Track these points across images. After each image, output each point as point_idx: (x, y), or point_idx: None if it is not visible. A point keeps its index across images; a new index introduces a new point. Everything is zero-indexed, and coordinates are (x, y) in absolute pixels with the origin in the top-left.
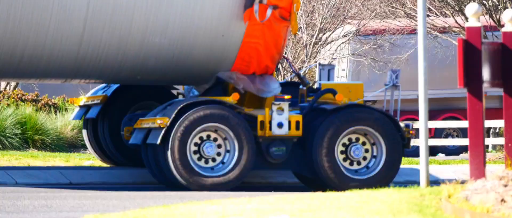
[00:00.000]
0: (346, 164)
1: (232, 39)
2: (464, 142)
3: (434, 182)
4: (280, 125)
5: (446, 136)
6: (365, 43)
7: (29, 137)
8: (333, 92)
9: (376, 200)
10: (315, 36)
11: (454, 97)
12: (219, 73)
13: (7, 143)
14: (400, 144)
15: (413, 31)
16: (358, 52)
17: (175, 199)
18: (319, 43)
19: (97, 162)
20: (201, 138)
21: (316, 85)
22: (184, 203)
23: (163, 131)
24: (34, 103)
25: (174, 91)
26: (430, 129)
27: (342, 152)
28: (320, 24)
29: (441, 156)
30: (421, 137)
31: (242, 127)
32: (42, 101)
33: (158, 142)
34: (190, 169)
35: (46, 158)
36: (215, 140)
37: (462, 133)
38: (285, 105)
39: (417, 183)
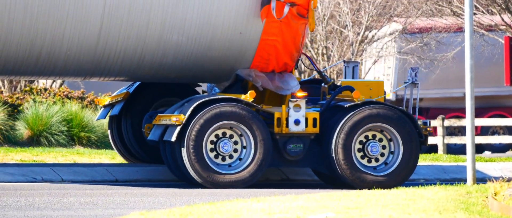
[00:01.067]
0: (364, 161)
1: (250, 36)
2: (510, 139)
3: (480, 179)
4: (297, 122)
5: (492, 134)
6: (411, 41)
7: (75, 134)
8: (351, 89)
9: (423, 197)
10: (361, 34)
11: (500, 95)
12: (238, 71)
13: (53, 140)
14: (417, 141)
15: (460, 29)
16: (404, 50)
17: (221, 197)
18: (365, 41)
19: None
20: (217, 136)
21: (339, 83)
22: (230, 201)
23: (178, 128)
24: (80, 100)
25: (198, 88)
26: (476, 127)
27: (359, 149)
28: (366, 22)
29: (487, 154)
30: (468, 135)
31: (258, 125)
32: (88, 99)
33: (173, 139)
34: (206, 166)
35: (92, 155)
36: (231, 137)
37: (508, 130)
38: (302, 102)
39: (463, 180)
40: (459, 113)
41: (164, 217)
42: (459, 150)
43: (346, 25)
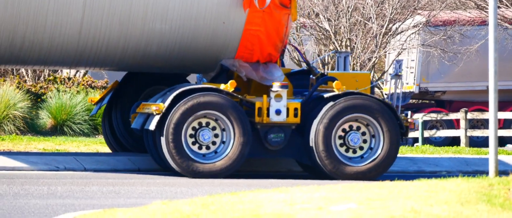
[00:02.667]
0: (344, 151)
1: (233, 26)
2: None
3: (502, 172)
4: (278, 112)
5: None
6: (435, 34)
7: (98, 124)
8: (332, 80)
9: (444, 189)
10: (385, 27)
11: None
12: (223, 61)
13: (76, 129)
14: (398, 133)
15: (483, 23)
16: (427, 43)
17: (243, 187)
18: (389, 33)
19: None
20: (199, 124)
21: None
22: (252, 191)
23: (158, 117)
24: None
25: (192, 77)
26: (499, 120)
27: (340, 139)
28: (390, 15)
29: (509, 147)
30: (491, 128)
31: (238, 114)
32: None
33: (153, 128)
34: (185, 155)
35: None
36: (213, 128)
37: None
38: (283, 92)
39: (485, 173)
40: (482, 106)
41: (186, 207)
42: (482, 143)
43: (370, 17)
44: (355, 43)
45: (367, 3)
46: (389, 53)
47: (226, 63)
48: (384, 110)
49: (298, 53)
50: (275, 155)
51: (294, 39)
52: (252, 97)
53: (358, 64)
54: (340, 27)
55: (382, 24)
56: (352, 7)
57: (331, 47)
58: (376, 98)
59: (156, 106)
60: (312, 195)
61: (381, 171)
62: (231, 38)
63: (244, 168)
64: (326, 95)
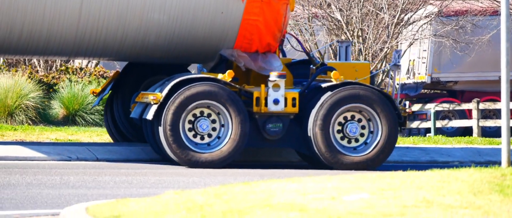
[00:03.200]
0: (343, 141)
1: (231, 16)
2: None
3: None
4: (276, 102)
5: None
6: (447, 24)
7: None
8: (330, 70)
9: (457, 179)
10: (396, 17)
11: None
12: (222, 51)
13: (89, 119)
14: (396, 123)
15: (495, 13)
16: (439, 33)
17: (256, 177)
18: (401, 23)
19: None
20: (195, 115)
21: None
22: (265, 181)
23: (155, 107)
24: None
25: (193, 67)
26: (511, 110)
27: (338, 130)
28: (402, 5)
29: None
30: (503, 118)
31: (235, 104)
32: None
33: (150, 117)
34: (183, 145)
35: None
36: (209, 116)
37: None
38: (281, 82)
39: (498, 163)
40: (494, 96)
41: (199, 196)
42: (494, 133)
43: (382, 7)
44: (367, 33)
45: None
46: (401, 43)
47: (225, 53)
48: (382, 99)
49: (299, 45)
50: (274, 144)
51: (305, 29)
52: (251, 87)
53: (370, 54)
54: (352, 18)
55: (394, 14)
56: None
57: (343, 38)
58: (374, 88)
59: (154, 96)
60: (324, 185)
61: (379, 161)
62: (230, 28)
63: (245, 158)
64: (324, 85)
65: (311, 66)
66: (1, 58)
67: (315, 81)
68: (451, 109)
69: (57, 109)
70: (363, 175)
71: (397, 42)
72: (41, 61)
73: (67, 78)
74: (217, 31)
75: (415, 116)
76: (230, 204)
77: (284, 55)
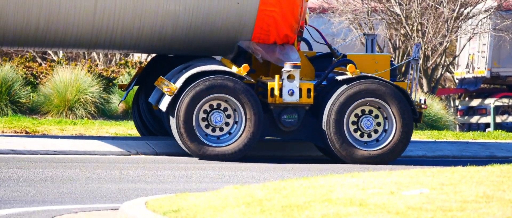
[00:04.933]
0: (357, 135)
1: (247, 6)
2: None
3: None
4: (291, 92)
5: None
6: (506, 18)
7: None
8: (347, 63)
9: None
10: (456, 11)
11: None
12: (239, 43)
13: None
14: (411, 118)
15: None
16: (499, 27)
17: (315, 172)
18: (460, 18)
19: None
20: (211, 106)
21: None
22: (324, 176)
23: (169, 99)
24: None
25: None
26: None
27: (353, 123)
28: None
29: None
30: None
31: (249, 98)
32: None
33: (164, 109)
34: (195, 138)
35: None
36: (225, 109)
37: None
38: (296, 73)
39: None
40: None
41: (258, 192)
42: None
43: (442, 1)
44: (426, 27)
45: None
46: (460, 37)
47: (242, 45)
48: (397, 94)
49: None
50: (289, 136)
51: (365, 23)
52: (268, 79)
53: (429, 48)
54: (411, 12)
55: (453, 9)
56: None
57: (402, 32)
58: (389, 83)
59: (168, 88)
60: (384, 180)
61: (392, 156)
62: (246, 18)
63: (266, 153)
64: (339, 78)
65: (333, 59)
66: (61, 52)
67: (334, 73)
68: (511, 103)
69: (116, 103)
70: (423, 170)
71: (456, 36)
72: (100, 55)
73: (126, 72)
74: (234, 22)
75: (474, 110)
76: (290, 199)
77: (310, 48)
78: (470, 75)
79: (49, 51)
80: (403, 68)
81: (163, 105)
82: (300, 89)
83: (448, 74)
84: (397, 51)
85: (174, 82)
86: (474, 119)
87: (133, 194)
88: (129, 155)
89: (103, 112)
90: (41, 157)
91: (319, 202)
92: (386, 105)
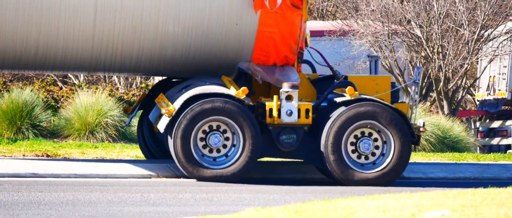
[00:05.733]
0: (355, 157)
1: (246, 28)
2: None
3: None
4: (289, 113)
5: None
6: None
7: None
8: (346, 85)
9: None
10: (477, 33)
11: None
12: (239, 64)
13: None
14: (409, 141)
15: None
16: None
17: (336, 194)
18: (481, 40)
19: None
20: (210, 127)
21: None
22: (345, 198)
23: (167, 120)
24: None
25: None
26: None
27: (351, 144)
28: (482, 21)
29: None
30: None
31: (248, 121)
32: None
33: (162, 131)
34: (192, 159)
35: None
36: (224, 131)
37: None
38: (294, 93)
39: None
40: None
41: (279, 214)
42: None
43: (462, 24)
44: (447, 50)
45: (459, 10)
46: (481, 59)
47: (242, 66)
48: (395, 117)
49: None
50: (288, 156)
51: (385, 45)
52: (268, 99)
53: (450, 71)
54: (432, 34)
55: (474, 31)
56: (444, 13)
57: (422, 54)
58: (388, 105)
59: (166, 109)
60: (404, 202)
61: (390, 179)
62: (246, 40)
63: (288, 175)
64: (338, 100)
65: (334, 80)
66: (82, 76)
67: (334, 95)
68: None
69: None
70: (444, 192)
71: (477, 58)
72: (121, 78)
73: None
74: (233, 43)
75: (495, 132)
76: None
77: (314, 71)
78: (491, 97)
79: (70, 75)
80: (422, 90)
81: (161, 126)
82: (299, 110)
83: (468, 96)
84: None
85: (173, 102)
86: (495, 141)
87: (154, 217)
88: (150, 178)
89: (124, 135)
90: (62, 180)
91: None
92: (384, 128)
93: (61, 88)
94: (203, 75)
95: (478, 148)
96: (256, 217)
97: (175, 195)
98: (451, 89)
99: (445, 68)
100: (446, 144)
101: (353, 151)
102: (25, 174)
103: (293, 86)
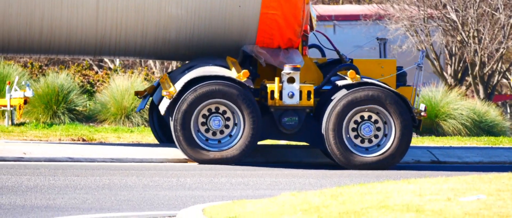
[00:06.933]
0: (357, 141)
1: (249, 10)
2: None
3: None
4: (291, 95)
5: None
6: None
7: None
8: (353, 68)
9: None
10: None
11: None
12: (244, 47)
13: None
14: (410, 126)
15: None
16: None
17: (372, 178)
18: None
19: None
20: (209, 110)
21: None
22: (381, 182)
23: (168, 102)
24: None
25: None
26: None
27: (353, 129)
28: None
29: None
30: None
31: (248, 104)
32: None
33: (163, 112)
34: (192, 142)
35: None
36: (224, 113)
37: None
38: (296, 75)
39: None
40: None
41: (315, 198)
42: None
43: (498, 7)
44: (483, 34)
45: None
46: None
47: (246, 49)
48: (397, 102)
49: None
50: (290, 138)
51: (421, 30)
52: (270, 82)
53: (486, 54)
54: (468, 18)
55: (510, 15)
56: None
57: (458, 38)
58: (389, 89)
59: (167, 92)
60: (441, 186)
61: (390, 163)
62: (249, 22)
63: (324, 159)
64: (340, 83)
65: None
66: (117, 60)
67: (338, 78)
68: None
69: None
70: (480, 176)
71: None
72: (156, 62)
73: None
74: (237, 26)
75: None
76: (346, 205)
77: (323, 55)
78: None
79: (106, 59)
80: (460, 74)
81: (162, 108)
82: (300, 92)
83: (504, 80)
84: (453, 58)
85: (175, 84)
86: None
87: (190, 201)
88: (186, 162)
89: None
90: (98, 164)
91: (376, 209)
92: (385, 112)
93: (96, 72)
94: (207, 56)
95: None
96: (292, 201)
97: (211, 179)
98: (487, 73)
99: (481, 52)
100: (482, 128)
101: (355, 135)
102: (61, 158)
103: (295, 68)
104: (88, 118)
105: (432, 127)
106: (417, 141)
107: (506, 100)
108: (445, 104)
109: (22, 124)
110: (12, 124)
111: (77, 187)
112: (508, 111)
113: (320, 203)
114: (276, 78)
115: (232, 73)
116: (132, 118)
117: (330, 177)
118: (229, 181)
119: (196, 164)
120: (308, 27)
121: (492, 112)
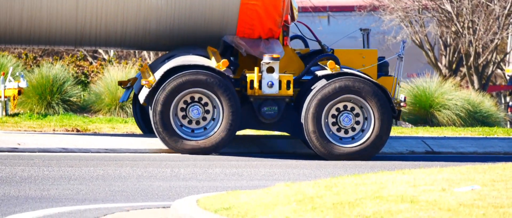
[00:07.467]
0: (336, 131)
1: (230, 0)
2: None
3: None
4: (270, 84)
5: None
6: None
7: None
8: (333, 58)
9: None
10: (507, 8)
11: None
12: (224, 37)
13: None
14: (390, 116)
15: None
16: None
17: (366, 169)
18: (511, 15)
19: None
20: (191, 98)
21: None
22: (375, 173)
23: (148, 91)
24: None
25: None
26: None
27: (333, 118)
28: None
29: None
30: None
31: (227, 94)
32: None
33: (142, 101)
34: (171, 132)
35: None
36: (206, 104)
37: None
38: (276, 65)
39: None
40: None
41: (309, 189)
42: None
43: None
44: (477, 25)
45: None
46: (511, 35)
47: (227, 39)
48: (376, 92)
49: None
50: (270, 128)
51: (416, 21)
52: (250, 72)
53: (480, 45)
54: (462, 9)
55: (504, 6)
56: None
57: (453, 29)
58: (369, 80)
59: (146, 81)
60: (435, 176)
61: (370, 153)
62: (229, 12)
63: (300, 150)
64: (319, 73)
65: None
66: (112, 51)
67: (318, 68)
68: None
69: None
70: (474, 167)
71: (507, 33)
72: (151, 53)
73: None
74: (217, 16)
75: None
76: (341, 196)
77: (306, 45)
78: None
79: (100, 50)
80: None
81: (142, 97)
82: (280, 82)
83: (499, 71)
84: (448, 49)
85: (154, 73)
86: None
87: (184, 192)
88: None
89: None
90: (92, 155)
91: (370, 199)
92: (365, 102)
93: (91, 63)
94: (188, 46)
95: (508, 122)
96: (286, 192)
97: (205, 170)
98: (481, 64)
99: (476, 43)
100: (476, 118)
101: (333, 124)
102: (55, 149)
103: (274, 58)
104: (82, 109)
105: (427, 118)
106: (411, 131)
107: (501, 90)
108: (439, 95)
109: (16, 114)
110: (6, 114)
111: (71, 177)
112: (503, 101)
113: (315, 193)
114: (256, 68)
115: (212, 62)
116: (126, 108)
117: (324, 167)
118: (224, 172)
119: (189, 155)
120: (289, 17)
121: (486, 102)
